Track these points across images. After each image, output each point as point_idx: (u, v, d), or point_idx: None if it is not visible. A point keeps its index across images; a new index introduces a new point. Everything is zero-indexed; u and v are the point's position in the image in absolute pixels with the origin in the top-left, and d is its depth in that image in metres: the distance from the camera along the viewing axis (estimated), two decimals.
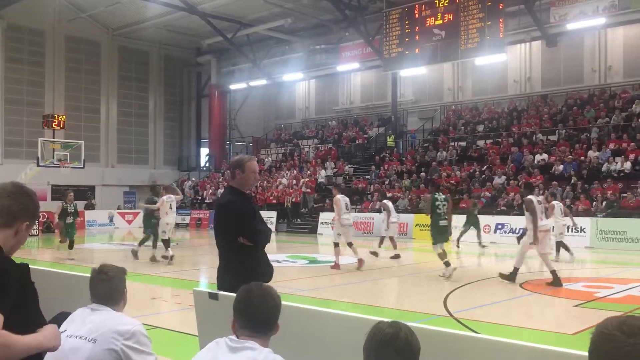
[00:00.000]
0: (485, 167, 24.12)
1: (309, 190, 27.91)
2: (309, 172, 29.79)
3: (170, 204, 14.06)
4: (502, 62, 26.56)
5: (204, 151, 39.30)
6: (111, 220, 30.34)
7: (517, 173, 22.73)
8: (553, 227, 13.09)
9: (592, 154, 21.60)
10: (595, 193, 19.60)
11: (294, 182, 29.16)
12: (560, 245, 14.34)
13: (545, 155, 22.88)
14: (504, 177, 22.72)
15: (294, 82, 36.37)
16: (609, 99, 24.57)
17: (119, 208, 32.66)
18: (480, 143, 26.31)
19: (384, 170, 27.45)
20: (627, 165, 20.27)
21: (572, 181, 20.70)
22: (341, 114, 35.59)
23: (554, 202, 14.35)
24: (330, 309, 3.23)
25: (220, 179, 33.23)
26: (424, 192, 23.65)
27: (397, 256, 14.75)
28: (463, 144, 26.89)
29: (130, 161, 36.02)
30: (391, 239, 15.30)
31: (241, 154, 37.74)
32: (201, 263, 15.93)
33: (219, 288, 4.14)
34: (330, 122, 35.17)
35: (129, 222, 30.93)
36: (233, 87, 36.76)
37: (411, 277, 12.35)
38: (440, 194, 12.02)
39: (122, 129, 35.58)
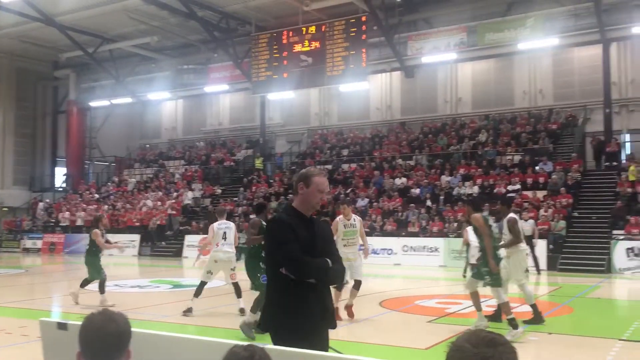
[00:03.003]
0: (349, 190, 25.01)
1: (174, 212, 27.18)
2: (175, 193, 29.02)
3: (225, 232, 10.16)
4: (365, 90, 27.90)
5: (61, 170, 36.84)
6: None
7: (379, 196, 23.84)
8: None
9: (444, 178, 23.25)
10: (447, 215, 21.07)
11: (159, 203, 28.25)
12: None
13: (404, 179, 24.24)
14: (367, 200, 23.70)
15: (161, 101, 35.48)
16: (459, 128, 26.67)
17: None
18: (345, 167, 27.29)
19: (251, 192, 27.49)
20: (475, 189, 22.06)
21: (428, 204, 22.14)
22: (209, 135, 35.21)
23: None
24: (188, 334, 3.18)
25: (79, 200, 31.32)
26: None
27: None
28: (329, 167, 27.71)
29: None
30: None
31: (101, 173, 35.93)
32: (53, 291, 14.84)
33: (262, 328, 3.54)
34: (198, 143, 34.63)
35: None
36: (94, 103, 35.01)
37: None
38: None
39: None
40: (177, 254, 24.77)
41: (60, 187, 36.29)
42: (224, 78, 30.48)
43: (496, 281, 8.14)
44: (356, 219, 9.55)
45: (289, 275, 3.31)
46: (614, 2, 22.47)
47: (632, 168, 20.32)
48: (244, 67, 28.34)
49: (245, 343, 2.22)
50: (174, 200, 28.03)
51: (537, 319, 8.86)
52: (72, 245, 27.90)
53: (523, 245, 8.99)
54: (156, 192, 29.95)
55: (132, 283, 15.09)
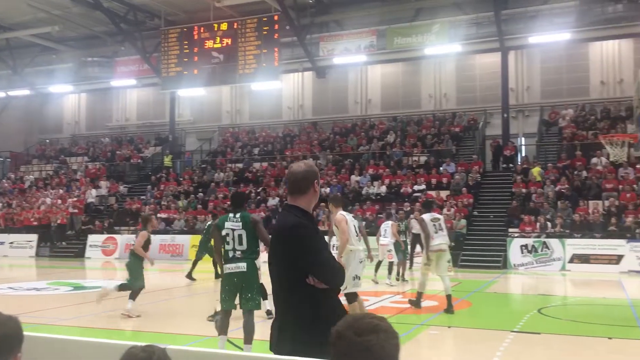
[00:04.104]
0: (260, 188, 24.96)
1: (76, 210, 25.98)
2: (77, 191, 27.73)
3: None
4: (277, 89, 27.93)
5: None
6: None
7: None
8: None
9: (354, 178, 23.73)
10: (356, 214, 21.49)
11: (59, 202, 26.90)
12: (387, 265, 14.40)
13: None
14: (277, 199, 23.74)
15: (62, 94, 33.77)
16: (369, 129, 27.30)
17: None
18: (257, 165, 27.19)
19: (159, 190, 26.78)
20: (383, 189, 22.68)
21: None
22: (115, 131, 33.92)
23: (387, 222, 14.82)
24: (86, 337, 3.08)
25: None
26: (201, 213, 23.61)
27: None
28: (240, 165, 27.52)
29: None
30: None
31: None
32: None
33: (280, 353, 2.96)
34: (103, 139, 33.27)
35: None
36: None
37: (188, 299, 12.20)
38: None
39: None
40: (79, 254, 23.71)
41: None
42: (132, 72, 29.46)
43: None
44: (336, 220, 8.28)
45: (315, 285, 3.01)
46: (512, 13, 23.84)
47: (537, 169, 21.64)
48: (153, 61, 27.54)
49: (144, 344, 2.18)
50: (76, 198, 26.79)
51: (448, 309, 9.97)
52: None
53: (431, 242, 10.08)
54: (57, 189, 28.49)
55: (28, 285, 14.29)
